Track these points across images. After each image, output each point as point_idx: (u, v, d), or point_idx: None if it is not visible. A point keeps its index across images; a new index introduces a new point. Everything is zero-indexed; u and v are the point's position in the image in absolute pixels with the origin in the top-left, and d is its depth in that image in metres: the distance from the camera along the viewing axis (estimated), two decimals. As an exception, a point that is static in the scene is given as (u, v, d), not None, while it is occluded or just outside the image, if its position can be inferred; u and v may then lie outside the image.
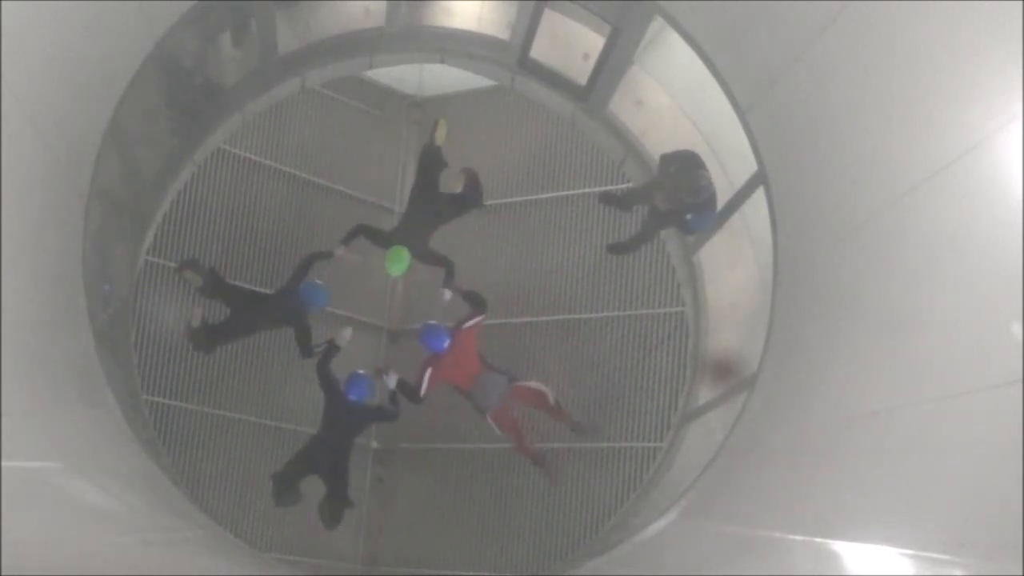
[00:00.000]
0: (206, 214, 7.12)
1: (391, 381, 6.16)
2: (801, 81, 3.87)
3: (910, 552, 2.38)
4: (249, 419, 7.14)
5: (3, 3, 2.92)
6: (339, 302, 7.07)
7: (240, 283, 7.00)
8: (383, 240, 6.50)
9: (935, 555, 2.26)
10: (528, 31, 6.55)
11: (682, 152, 6.02)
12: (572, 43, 6.84)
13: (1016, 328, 2.20)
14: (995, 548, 2.08)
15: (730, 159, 6.07)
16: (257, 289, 6.86)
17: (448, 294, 6.51)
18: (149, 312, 6.67)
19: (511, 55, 6.89)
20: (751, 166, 4.98)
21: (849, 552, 2.70)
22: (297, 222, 7.58)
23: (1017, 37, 2.28)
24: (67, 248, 4.21)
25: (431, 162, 6.66)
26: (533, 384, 6.17)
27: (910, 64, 2.95)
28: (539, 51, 6.76)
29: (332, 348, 6.30)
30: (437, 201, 6.59)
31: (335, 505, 6.17)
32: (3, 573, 2.19)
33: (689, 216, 5.96)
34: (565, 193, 7.62)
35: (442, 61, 7.18)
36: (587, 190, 7.52)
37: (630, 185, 7.28)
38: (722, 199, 5.83)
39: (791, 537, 3.07)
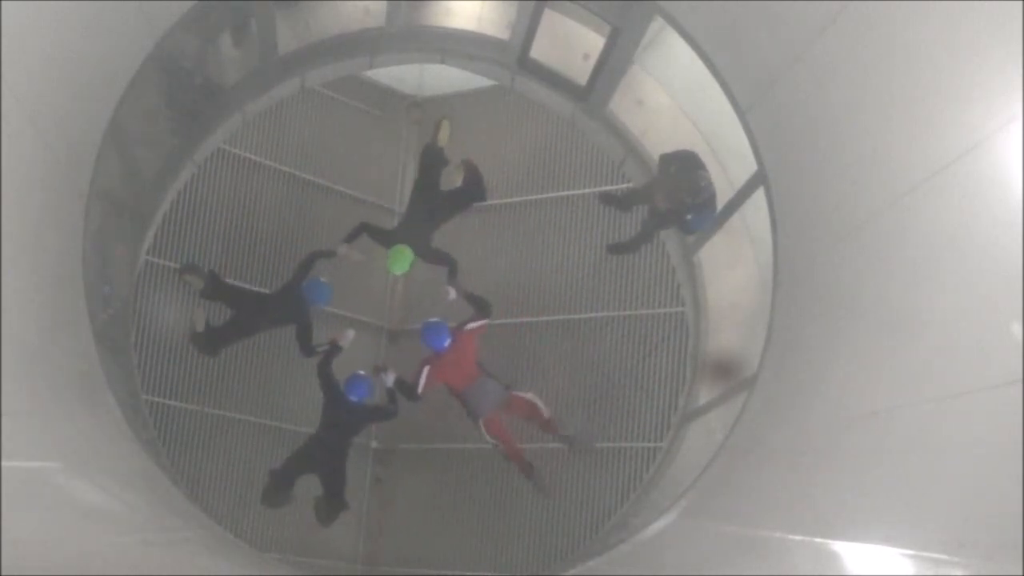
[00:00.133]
0: (206, 214, 7.12)
1: (389, 379, 6.16)
2: (801, 81, 3.87)
3: (910, 552, 2.38)
4: (249, 419, 7.14)
5: (3, 3, 2.92)
6: (339, 302, 7.08)
7: (240, 284, 7.00)
8: (386, 238, 6.50)
9: (935, 555, 2.26)
10: (528, 31, 6.55)
11: (682, 152, 6.02)
12: (572, 43, 6.84)
13: (1016, 328, 2.20)
14: (995, 548, 2.08)
15: (730, 159, 6.07)
16: (258, 289, 6.86)
17: (452, 292, 6.50)
18: (149, 312, 6.67)
19: (511, 55, 6.89)
20: (751, 166, 4.98)
21: (849, 552, 2.70)
22: (297, 222, 7.58)
23: (1017, 37, 2.28)
24: (67, 248, 4.21)
25: (432, 161, 6.67)
26: (528, 395, 6.15)
27: (910, 64, 2.95)
28: (539, 51, 6.76)
29: (334, 349, 6.30)
30: (438, 199, 6.60)
31: (331, 505, 6.18)
32: (3, 573, 2.19)
33: (689, 216, 5.96)
34: (565, 193, 7.62)
35: (442, 61, 7.18)
36: (587, 190, 7.52)
37: (630, 185, 7.28)
38: (722, 199, 5.84)
39: (791, 537, 3.07)
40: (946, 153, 2.67)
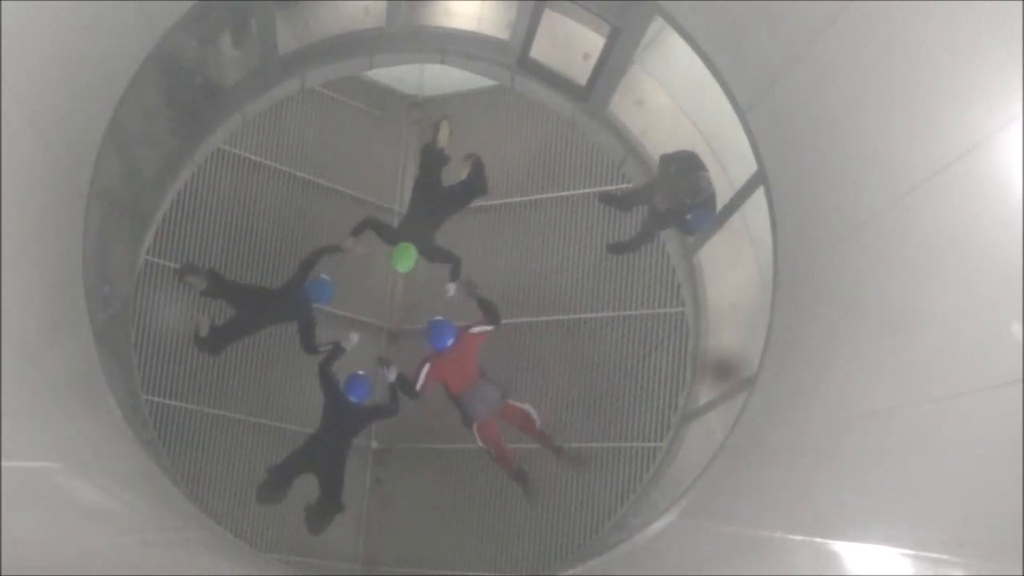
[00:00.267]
0: (206, 214, 7.12)
1: (391, 375, 6.16)
2: (801, 81, 3.87)
3: (910, 552, 2.38)
4: (249, 419, 7.14)
5: (3, 3, 2.92)
6: (339, 301, 7.07)
7: (241, 281, 6.99)
8: (390, 236, 6.52)
9: (935, 555, 2.26)
10: (528, 31, 6.56)
11: (682, 152, 6.02)
12: (572, 43, 6.84)
13: (1016, 328, 2.20)
14: (995, 548, 2.08)
15: (730, 159, 6.08)
16: (260, 285, 6.86)
17: (453, 288, 6.52)
18: (149, 312, 6.67)
19: (511, 55, 6.89)
20: (751, 166, 4.98)
21: (849, 552, 2.70)
22: (297, 222, 7.58)
23: (1017, 37, 2.28)
24: (67, 248, 4.21)
25: (432, 161, 6.67)
26: (524, 405, 6.14)
27: (910, 64, 2.95)
28: (539, 51, 6.76)
29: (337, 351, 6.31)
30: (439, 197, 6.61)
31: (326, 508, 6.16)
32: (3, 573, 2.19)
33: (689, 216, 5.97)
34: (565, 193, 7.62)
35: (442, 61, 7.18)
36: (587, 190, 7.52)
37: (630, 185, 7.28)
38: (722, 199, 5.84)
39: (791, 537, 3.07)
40: (946, 153, 2.67)
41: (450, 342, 6.02)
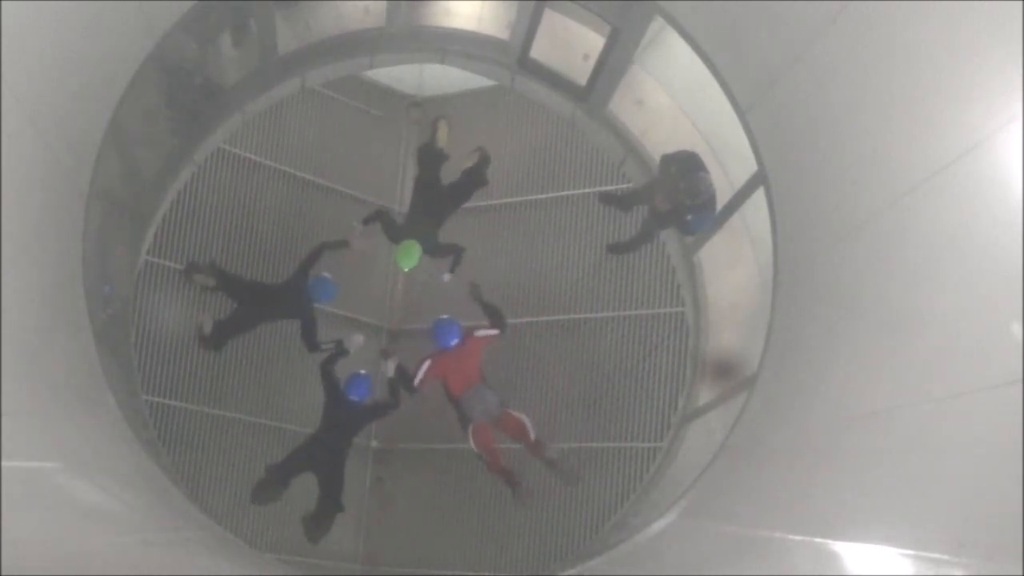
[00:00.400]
0: (206, 214, 7.12)
1: (389, 368, 6.17)
2: (801, 81, 3.87)
3: (910, 552, 2.38)
4: (249, 419, 7.14)
5: (3, 3, 2.92)
6: (340, 301, 7.07)
7: (244, 275, 6.98)
8: (394, 232, 6.54)
9: (935, 555, 2.26)
10: (528, 31, 6.56)
11: (683, 153, 6.01)
12: (572, 43, 6.84)
13: (1016, 328, 2.20)
14: (995, 548, 2.08)
15: (730, 159, 6.07)
16: (262, 281, 6.86)
17: (447, 276, 6.58)
18: (149, 312, 6.67)
19: (511, 55, 6.89)
20: (751, 166, 4.98)
21: (849, 552, 2.70)
22: (297, 222, 7.58)
23: (1017, 37, 2.28)
24: (67, 248, 4.21)
25: (431, 160, 6.68)
26: (520, 415, 6.11)
27: (910, 64, 2.95)
28: (539, 51, 6.76)
29: (340, 351, 6.32)
30: (440, 196, 6.63)
31: (327, 508, 6.16)
32: (3, 573, 2.19)
33: (689, 217, 5.96)
34: (565, 193, 7.61)
35: (442, 61, 7.18)
36: (587, 190, 7.51)
37: (630, 185, 7.28)
38: (722, 199, 5.83)
39: (791, 537, 3.07)
40: (946, 153, 2.67)
41: (454, 341, 6.03)
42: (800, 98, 3.98)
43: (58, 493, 3.22)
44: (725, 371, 6.23)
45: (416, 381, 6.04)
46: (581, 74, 6.73)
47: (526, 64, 6.88)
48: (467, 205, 7.04)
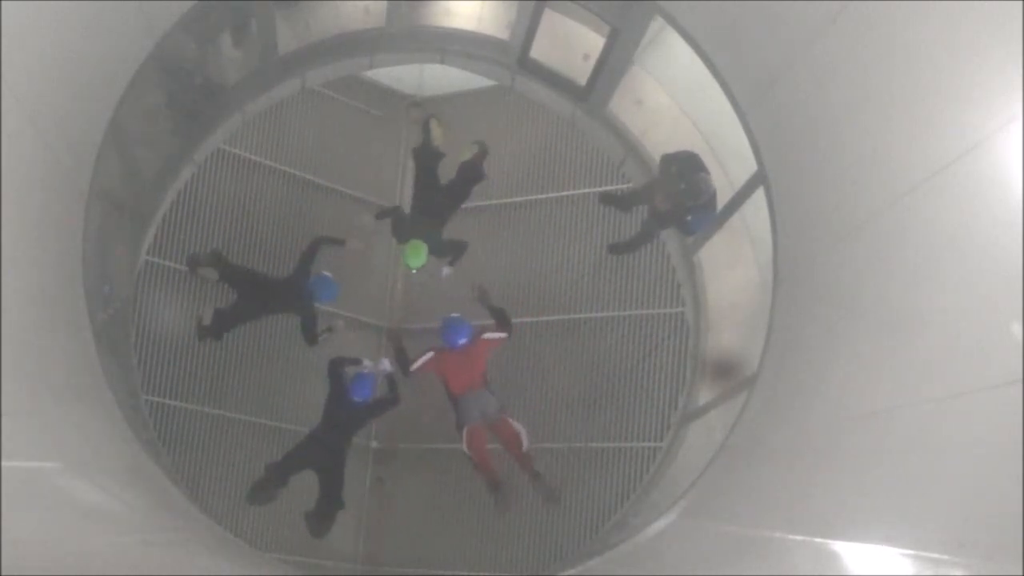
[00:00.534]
0: (206, 214, 7.12)
1: (385, 364, 6.25)
2: (801, 81, 3.87)
3: (910, 552, 2.38)
4: (249, 419, 7.14)
5: (3, 3, 2.92)
6: (339, 301, 7.08)
7: (247, 266, 6.97)
8: (401, 232, 6.57)
9: (935, 555, 2.26)
10: (528, 31, 6.56)
11: (683, 153, 6.02)
12: (572, 43, 6.84)
13: (1016, 328, 2.20)
14: (995, 548, 2.08)
15: (730, 159, 6.08)
16: (265, 273, 6.86)
17: (447, 271, 6.61)
18: (149, 312, 6.68)
19: (511, 55, 6.89)
20: (751, 166, 4.98)
21: (849, 552, 2.69)
22: (297, 222, 7.58)
23: (1017, 37, 2.28)
24: (67, 248, 4.21)
25: (427, 160, 6.69)
26: (517, 425, 6.10)
27: (910, 64, 2.95)
28: (539, 51, 6.76)
29: (353, 360, 6.40)
30: (440, 195, 6.64)
31: (327, 506, 6.16)
32: (3, 573, 2.19)
33: (689, 217, 5.96)
34: (565, 193, 7.62)
35: (442, 61, 7.18)
36: (587, 190, 7.52)
37: (630, 185, 7.28)
38: (722, 199, 5.84)
39: (791, 537, 3.07)
40: (946, 153, 2.67)
41: (462, 341, 6.02)
42: (800, 98, 3.98)
43: (58, 493, 3.22)
44: (725, 371, 6.23)
45: (413, 367, 6.05)
46: (581, 74, 6.73)
47: (526, 64, 6.88)
48: (468, 205, 7.04)
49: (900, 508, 2.57)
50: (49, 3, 3.34)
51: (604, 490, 6.88)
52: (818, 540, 2.86)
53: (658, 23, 5.78)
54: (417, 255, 6.35)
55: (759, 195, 4.91)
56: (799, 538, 3.02)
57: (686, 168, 5.84)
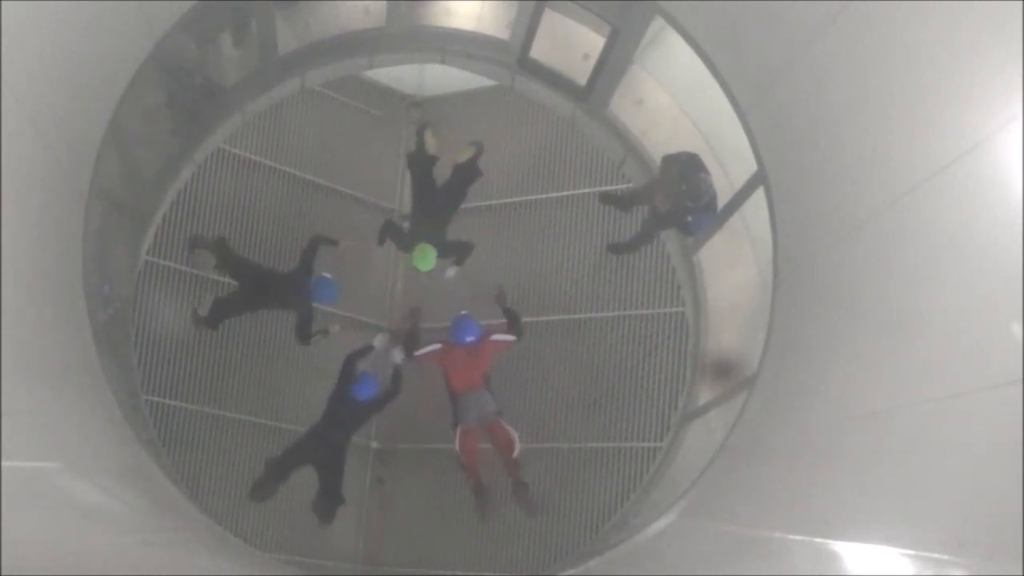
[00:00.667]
0: (206, 214, 7.12)
1: (397, 356, 6.24)
2: (801, 81, 3.87)
3: (910, 552, 2.38)
4: (249, 419, 7.14)
5: (3, 3, 2.92)
6: (339, 301, 7.08)
7: (250, 258, 6.98)
8: (403, 242, 6.56)
9: (935, 555, 2.26)
10: (528, 31, 6.56)
11: (684, 154, 6.02)
12: (572, 43, 6.84)
13: (1016, 328, 2.20)
14: (995, 548, 2.08)
15: (730, 159, 6.07)
16: (267, 266, 6.86)
17: (452, 271, 6.58)
18: (149, 312, 6.68)
19: (511, 55, 6.89)
20: (751, 166, 4.98)
21: (849, 552, 2.70)
22: (297, 222, 7.58)
23: (1017, 37, 2.28)
24: (67, 248, 4.21)
25: (422, 165, 6.68)
26: (511, 430, 6.09)
27: (910, 64, 2.95)
28: (539, 51, 6.76)
29: (367, 348, 6.41)
30: (439, 197, 6.64)
31: (328, 501, 6.17)
32: (3, 573, 2.19)
33: (690, 218, 5.96)
34: (565, 193, 7.61)
35: (442, 61, 7.18)
36: (587, 190, 7.52)
37: (630, 185, 7.28)
38: (722, 199, 5.84)
39: (791, 537, 3.07)
40: (946, 153, 2.67)
41: (470, 339, 6.03)
42: (800, 98, 3.98)
43: (58, 493, 3.22)
44: (725, 371, 6.23)
45: (418, 352, 6.09)
46: (581, 74, 6.73)
47: (526, 64, 6.88)
48: (468, 205, 7.04)
49: (900, 508, 2.57)
50: (49, 3, 3.34)
51: (604, 490, 6.88)
52: (818, 540, 2.86)
53: (658, 23, 5.78)
54: (426, 258, 6.34)
55: (759, 195, 4.91)
56: (799, 538, 3.02)
57: (687, 169, 5.84)
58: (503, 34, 6.92)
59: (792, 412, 3.94)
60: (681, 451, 6.50)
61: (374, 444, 7.66)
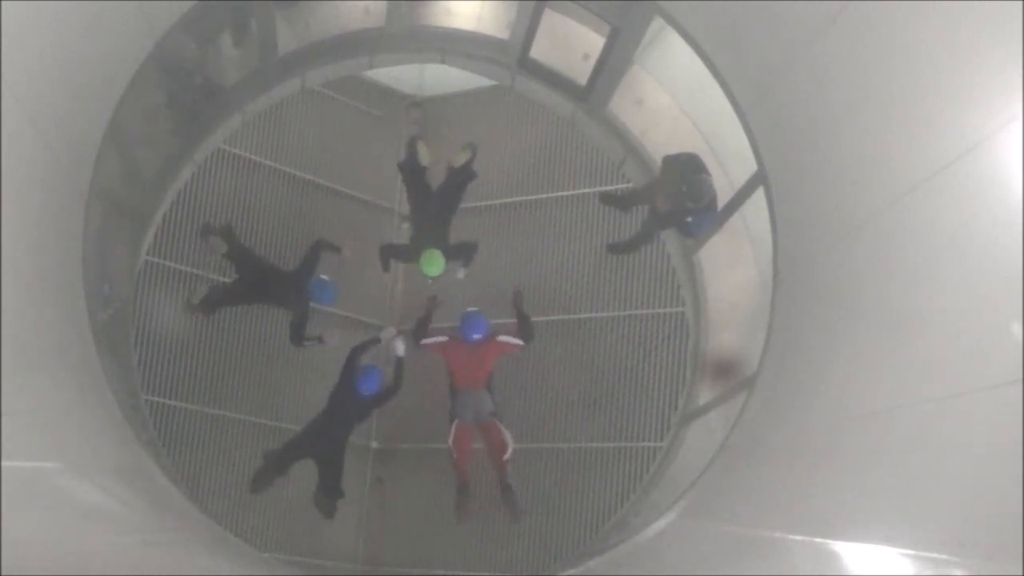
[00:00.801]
0: (206, 214, 7.12)
1: (399, 348, 6.20)
2: (801, 81, 3.87)
3: (910, 552, 2.38)
4: (249, 419, 7.14)
5: (3, 3, 2.92)
6: (340, 301, 7.08)
7: (255, 250, 6.91)
8: (408, 254, 6.52)
9: (935, 555, 2.26)
10: (528, 31, 6.56)
11: (684, 154, 6.01)
12: (572, 43, 6.84)
13: (1016, 328, 2.20)
14: (995, 548, 2.08)
15: (730, 159, 6.07)
16: (271, 261, 6.82)
17: (462, 272, 6.57)
18: (149, 312, 6.68)
19: (511, 55, 6.89)
20: (751, 166, 4.98)
21: (849, 552, 2.70)
22: (297, 222, 7.59)
23: (1017, 37, 2.28)
24: (67, 248, 4.21)
25: (414, 173, 6.63)
26: (506, 431, 6.05)
27: (910, 64, 2.95)
28: (539, 51, 6.76)
29: (373, 342, 6.37)
30: (435, 202, 6.61)
31: (327, 495, 6.16)
32: (3, 573, 2.19)
33: (690, 219, 5.95)
34: (565, 193, 7.62)
35: (442, 61, 7.18)
36: (587, 190, 7.52)
37: (630, 185, 7.28)
38: (722, 199, 5.83)
39: (791, 537, 3.07)
40: (946, 153, 2.67)
41: (477, 336, 6.01)
42: (800, 98, 3.98)
43: (58, 493, 3.22)
44: (725, 371, 6.23)
45: (424, 341, 6.08)
46: (581, 74, 6.73)
47: (526, 64, 6.88)
48: (468, 205, 7.03)
49: (900, 508, 2.57)
50: (49, 3, 3.34)
51: (604, 490, 6.89)
52: (818, 540, 2.86)
53: (658, 23, 5.78)
54: (435, 263, 6.26)
55: (759, 195, 4.91)
56: (799, 538, 3.02)
57: (687, 169, 5.83)
58: (503, 34, 6.92)
59: (792, 412, 3.94)
60: (681, 451, 6.50)
61: (374, 444, 7.67)
